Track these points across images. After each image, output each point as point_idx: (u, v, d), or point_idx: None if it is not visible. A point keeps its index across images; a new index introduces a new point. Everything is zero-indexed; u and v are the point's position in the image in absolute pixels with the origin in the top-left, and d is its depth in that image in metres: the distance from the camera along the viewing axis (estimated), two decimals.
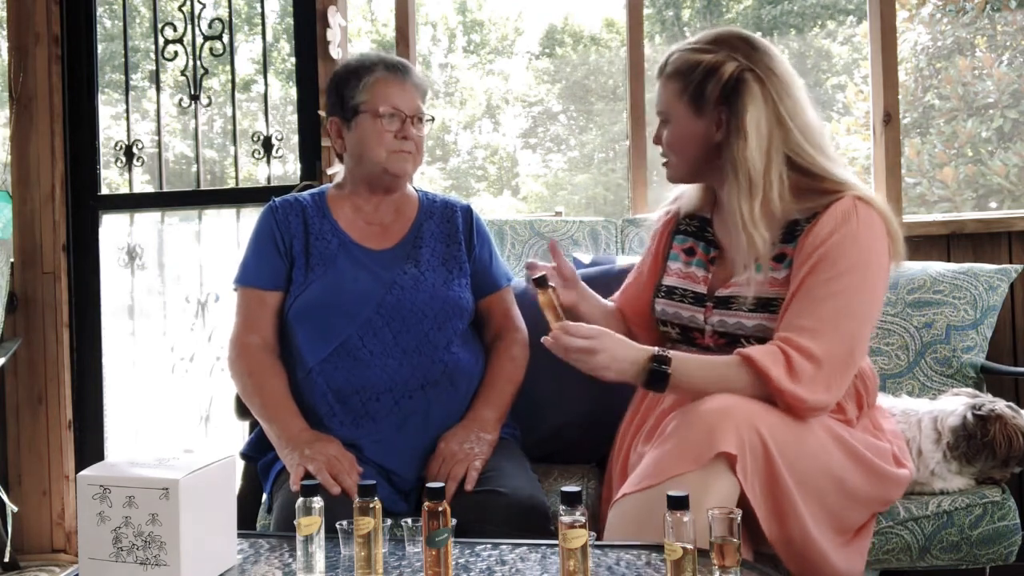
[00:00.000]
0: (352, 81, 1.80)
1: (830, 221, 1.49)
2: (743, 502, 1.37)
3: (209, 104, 2.99)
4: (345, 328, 1.70)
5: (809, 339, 1.43)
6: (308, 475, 1.56)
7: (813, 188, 1.54)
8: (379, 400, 1.69)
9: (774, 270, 1.54)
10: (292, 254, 1.79)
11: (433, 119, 1.86)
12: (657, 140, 1.67)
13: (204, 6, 2.94)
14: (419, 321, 1.73)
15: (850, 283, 1.46)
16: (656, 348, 1.49)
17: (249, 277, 1.81)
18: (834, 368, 1.44)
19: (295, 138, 2.90)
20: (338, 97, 1.82)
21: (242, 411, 1.86)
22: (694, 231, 1.74)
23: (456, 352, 1.76)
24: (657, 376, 1.45)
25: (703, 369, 1.48)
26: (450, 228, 1.86)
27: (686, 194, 1.77)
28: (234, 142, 2.99)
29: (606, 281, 1.96)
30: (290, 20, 2.93)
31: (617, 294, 1.87)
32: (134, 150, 3.02)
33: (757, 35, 1.60)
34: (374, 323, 1.71)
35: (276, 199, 1.87)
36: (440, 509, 1.14)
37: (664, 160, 1.67)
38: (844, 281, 1.46)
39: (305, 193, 1.89)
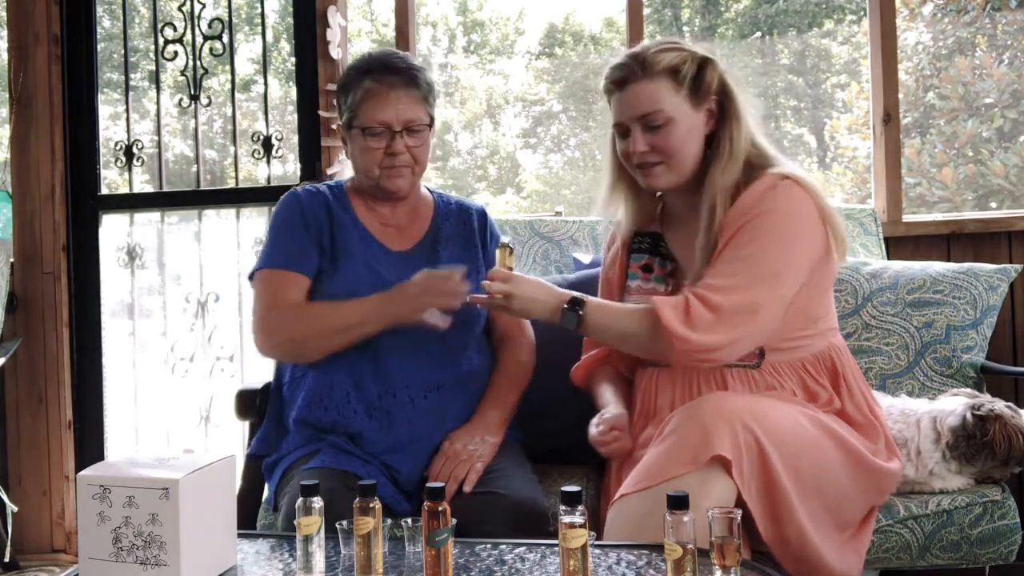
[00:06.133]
0: (343, 94, 1.76)
1: (752, 194, 1.54)
2: (740, 502, 1.37)
3: (209, 104, 2.99)
4: None
5: (713, 292, 1.49)
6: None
7: (747, 166, 1.60)
8: (395, 396, 1.68)
9: None
10: (322, 242, 1.75)
11: (432, 124, 1.78)
12: (642, 148, 1.59)
13: (204, 6, 2.94)
14: None
15: (761, 247, 1.51)
16: (575, 293, 1.57)
17: (277, 260, 1.74)
18: (733, 318, 1.47)
19: (295, 138, 2.90)
20: (337, 107, 1.79)
21: (242, 411, 1.86)
22: (648, 248, 1.74)
23: (472, 357, 1.76)
24: (569, 317, 1.55)
25: (611, 315, 1.58)
26: (467, 232, 1.85)
27: (625, 216, 1.76)
28: (234, 142, 2.99)
29: None
30: (290, 20, 2.92)
31: None
32: (134, 150, 3.01)
33: None
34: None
35: (298, 188, 1.83)
36: (440, 509, 1.14)
37: (650, 166, 1.61)
38: (755, 245, 1.51)
39: (323, 184, 1.86)
